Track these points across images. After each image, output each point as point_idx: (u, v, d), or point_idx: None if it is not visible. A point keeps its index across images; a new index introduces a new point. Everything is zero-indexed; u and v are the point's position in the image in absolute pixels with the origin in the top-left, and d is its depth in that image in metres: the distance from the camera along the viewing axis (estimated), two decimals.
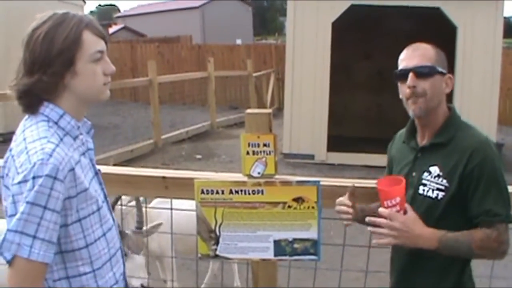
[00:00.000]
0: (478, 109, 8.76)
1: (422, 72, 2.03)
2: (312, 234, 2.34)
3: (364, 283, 2.44)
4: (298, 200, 2.32)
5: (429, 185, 2.04)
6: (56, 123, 1.69)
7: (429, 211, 2.02)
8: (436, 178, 2.02)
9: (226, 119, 13.79)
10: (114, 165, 4.78)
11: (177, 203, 2.98)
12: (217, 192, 2.36)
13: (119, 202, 3.21)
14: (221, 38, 30.33)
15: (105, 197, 1.86)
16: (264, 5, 69.98)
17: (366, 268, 2.69)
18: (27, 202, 1.53)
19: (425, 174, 2.06)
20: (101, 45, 1.73)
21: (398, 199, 1.94)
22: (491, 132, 8.65)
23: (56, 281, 1.68)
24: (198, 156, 10.11)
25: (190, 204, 2.47)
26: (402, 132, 2.28)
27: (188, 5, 42.89)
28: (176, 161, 9.67)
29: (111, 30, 32.15)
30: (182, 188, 2.49)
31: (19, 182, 1.56)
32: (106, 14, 53.23)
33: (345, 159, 9.57)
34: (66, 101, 1.71)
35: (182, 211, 2.81)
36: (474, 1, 9.19)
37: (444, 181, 1.99)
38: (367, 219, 1.98)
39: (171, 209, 2.76)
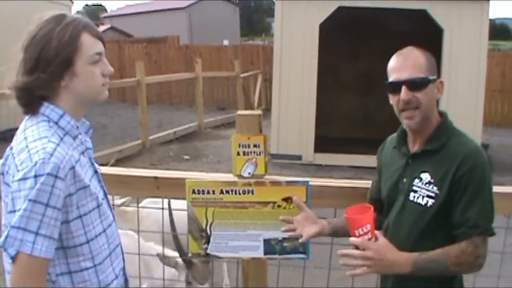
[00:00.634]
0: (464, 111, 8.81)
1: (416, 84, 1.99)
2: None
3: (352, 283, 2.47)
4: (288, 200, 2.35)
5: (420, 191, 2.01)
6: (56, 123, 1.72)
7: (418, 218, 2.00)
8: (427, 185, 1.99)
9: (213, 119, 13.80)
10: (102, 164, 4.76)
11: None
12: (208, 192, 2.39)
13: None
14: (208, 39, 30.28)
15: (105, 194, 1.90)
16: (251, 5, 70.03)
17: None
18: (30, 200, 1.56)
19: (416, 180, 2.03)
20: (99, 46, 1.77)
21: (369, 227, 1.90)
22: (477, 133, 8.75)
23: (59, 275, 1.72)
24: (186, 157, 10.12)
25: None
26: (393, 137, 2.25)
27: (175, 6, 42.84)
28: (164, 162, 9.67)
29: None
30: (173, 188, 2.52)
31: (19, 180, 1.59)
32: (93, 14, 52.86)
33: (332, 160, 9.61)
34: (65, 101, 1.74)
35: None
36: (460, 3, 9.26)
37: (435, 188, 1.97)
38: (339, 252, 1.93)
39: (162, 208, 2.79)
